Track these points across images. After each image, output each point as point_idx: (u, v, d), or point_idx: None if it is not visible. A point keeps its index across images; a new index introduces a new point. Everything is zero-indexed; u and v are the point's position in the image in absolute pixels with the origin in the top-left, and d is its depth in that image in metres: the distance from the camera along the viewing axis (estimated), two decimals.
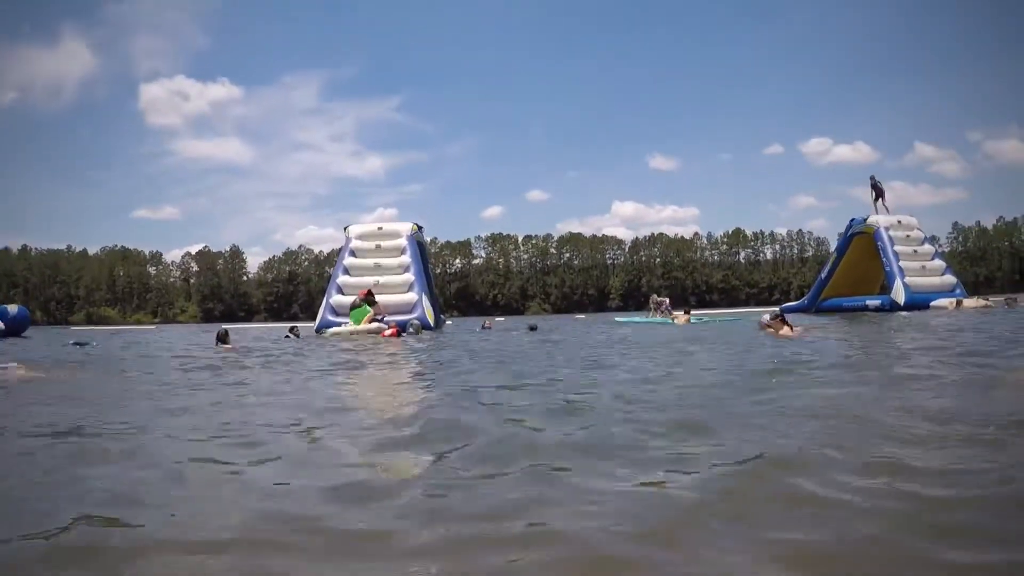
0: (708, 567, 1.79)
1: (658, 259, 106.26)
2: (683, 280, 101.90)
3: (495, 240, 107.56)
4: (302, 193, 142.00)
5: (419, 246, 27.18)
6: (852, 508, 2.13)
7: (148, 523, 2.16)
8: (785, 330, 12.15)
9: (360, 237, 26.80)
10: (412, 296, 23.88)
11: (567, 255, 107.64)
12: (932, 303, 26.85)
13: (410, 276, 24.97)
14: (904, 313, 25.28)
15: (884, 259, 30.14)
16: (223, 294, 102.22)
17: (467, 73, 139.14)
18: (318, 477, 2.72)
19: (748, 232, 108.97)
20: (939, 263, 30.92)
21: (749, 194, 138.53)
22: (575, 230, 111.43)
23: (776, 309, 33.87)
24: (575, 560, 1.83)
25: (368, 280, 24.03)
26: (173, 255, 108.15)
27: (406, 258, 25.88)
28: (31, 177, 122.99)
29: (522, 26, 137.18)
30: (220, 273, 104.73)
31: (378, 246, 26.19)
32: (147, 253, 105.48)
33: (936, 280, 29.48)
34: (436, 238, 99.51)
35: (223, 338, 13.71)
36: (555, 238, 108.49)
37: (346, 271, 25.46)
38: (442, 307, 36.85)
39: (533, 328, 20.87)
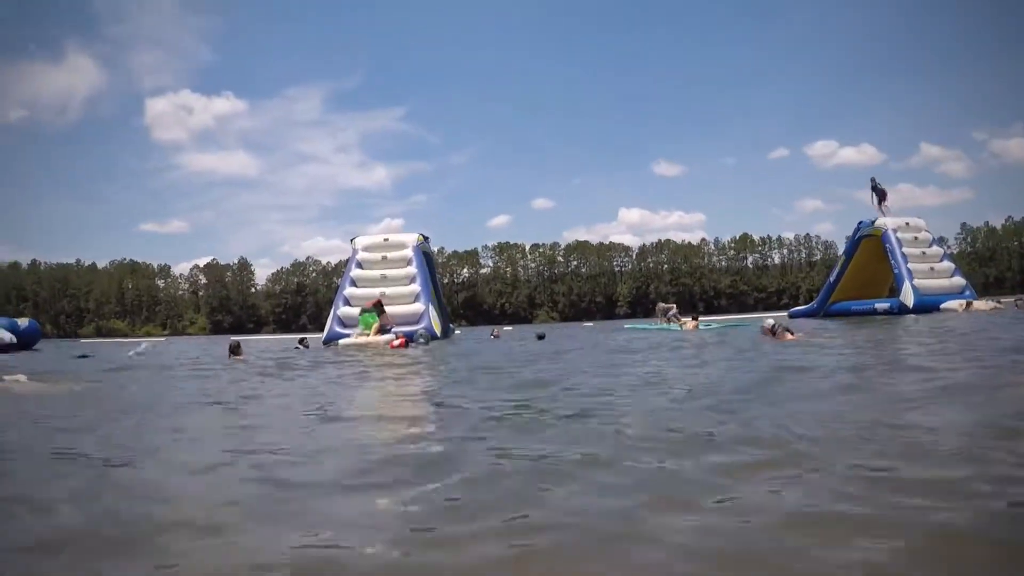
0: None
1: (666, 265, 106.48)
2: (691, 286, 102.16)
3: (502, 249, 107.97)
4: (309, 205, 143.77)
5: (425, 256, 27.47)
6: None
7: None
8: (787, 335, 12.25)
9: (366, 248, 26.98)
10: (419, 306, 24.08)
11: (574, 263, 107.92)
12: (942, 305, 26.75)
13: (416, 287, 25.14)
14: (913, 316, 25.12)
15: (892, 261, 30.00)
16: (232, 306, 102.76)
17: (471, 81, 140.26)
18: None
19: (755, 237, 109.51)
20: (948, 265, 30.80)
21: (755, 198, 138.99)
22: (582, 238, 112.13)
23: (785, 314, 33.73)
24: None
25: (375, 291, 24.18)
26: (181, 268, 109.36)
27: (412, 269, 26.02)
28: (40, 192, 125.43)
29: (524, 33, 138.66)
30: (228, 285, 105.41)
31: (384, 257, 26.36)
32: (155, 266, 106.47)
33: (945, 282, 29.34)
34: (443, 248, 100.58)
35: (235, 350, 13.79)
36: (562, 246, 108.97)
37: (353, 283, 25.66)
38: (450, 317, 36.92)
39: (541, 337, 20.89)
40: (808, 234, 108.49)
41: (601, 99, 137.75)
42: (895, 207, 32.99)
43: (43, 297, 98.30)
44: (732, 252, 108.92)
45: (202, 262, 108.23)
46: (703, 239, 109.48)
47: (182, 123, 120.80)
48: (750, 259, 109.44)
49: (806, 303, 40.17)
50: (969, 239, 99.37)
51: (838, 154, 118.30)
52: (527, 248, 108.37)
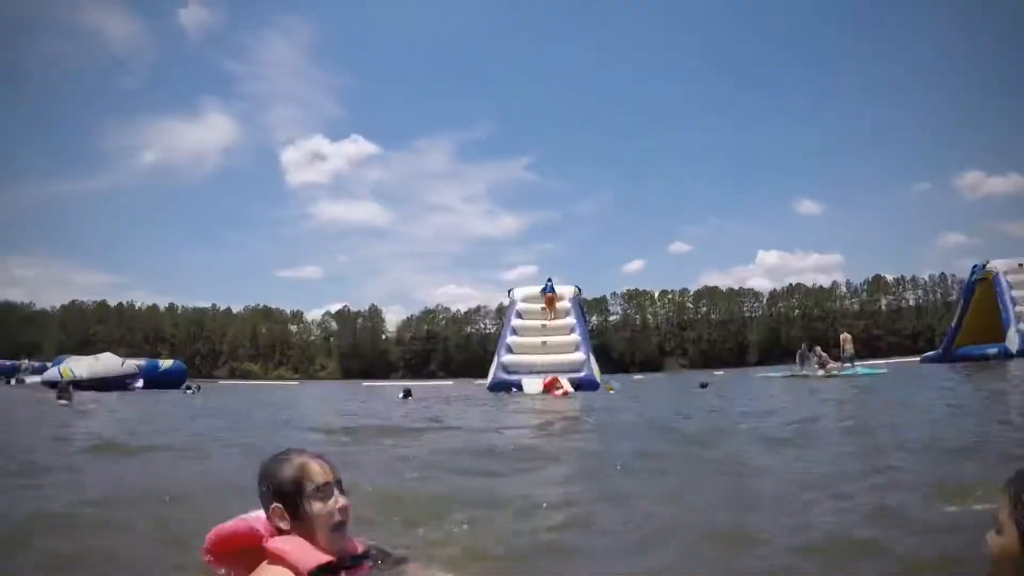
0: None
1: (797, 310, 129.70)
2: (823, 331, 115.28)
3: (631, 296, 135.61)
4: (438, 253, 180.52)
5: (580, 308, 34.76)
6: None
7: None
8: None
9: (525, 300, 34.72)
10: (580, 356, 30.36)
11: (704, 309, 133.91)
12: None
13: (577, 336, 31.92)
14: (1016, 361, 29.67)
15: (1001, 305, 34.79)
16: (362, 352, 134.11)
17: (600, 127, 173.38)
18: None
19: (889, 278, 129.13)
20: None
21: (894, 236, 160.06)
22: (718, 281, 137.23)
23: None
24: None
25: (536, 340, 31.70)
26: (314, 314, 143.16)
27: (571, 319, 33.15)
28: (178, 240, 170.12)
29: (654, 76, 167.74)
30: (359, 332, 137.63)
31: (544, 308, 33.86)
32: (288, 312, 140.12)
33: None
34: None
35: (409, 392, 23.19)
36: (691, 292, 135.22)
37: (514, 331, 32.83)
38: None
39: (704, 386, 25.92)
40: (943, 273, 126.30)
41: (742, 136, 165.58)
42: None
43: (180, 339, 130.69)
44: (865, 295, 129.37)
45: (334, 308, 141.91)
46: (835, 282, 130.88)
47: (316, 172, 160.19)
48: (883, 301, 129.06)
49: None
50: None
51: (984, 184, 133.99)
52: (656, 295, 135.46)
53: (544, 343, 31.29)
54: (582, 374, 28.45)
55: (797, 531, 4.14)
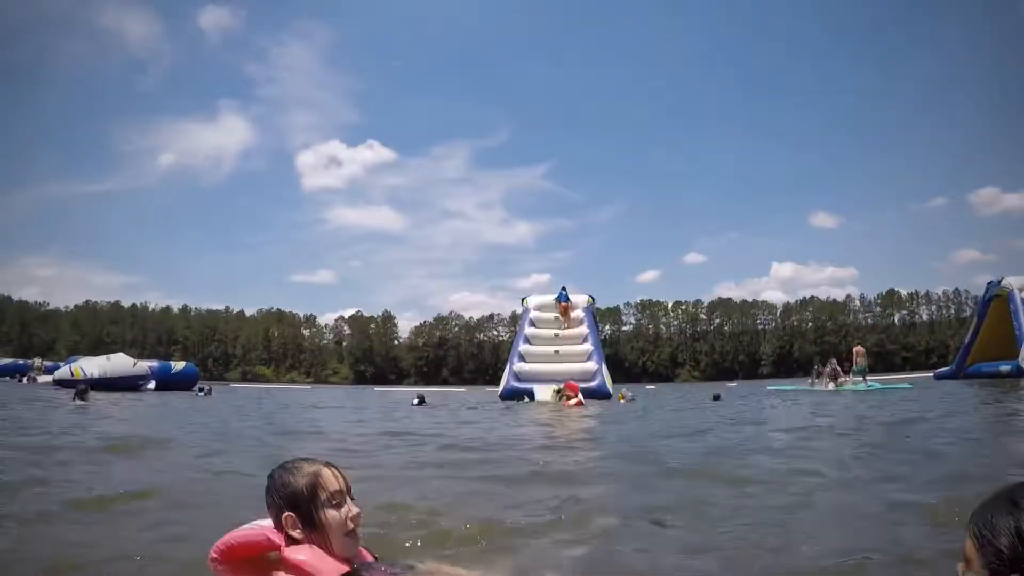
0: None
1: (810, 323, 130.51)
2: (836, 344, 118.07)
3: (645, 306, 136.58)
4: (453, 260, 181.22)
5: (593, 317, 34.73)
6: None
7: None
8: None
9: (539, 308, 34.84)
10: (592, 365, 30.18)
11: (717, 320, 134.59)
12: None
13: (589, 346, 31.78)
14: None
15: (1015, 322, 34.47)
16: (374, 357, 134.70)
17: (616, 135, 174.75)
18: None
19: (903, 293, 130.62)
20: None
21: (909, 251, 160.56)
22: (731, 293, 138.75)
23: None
24: None
25: (549, 349, 31.57)
26: (327, 318, 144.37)
27: (584, 328, 33.15)
28: (193, 243, 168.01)
29: (671, 88, 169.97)
30: (372, 337, 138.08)
31: (557, 317, 34.02)
32: (302, 316, 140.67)
33: None
34: None
35: (423, 400, 23.97)
36: (705, 303, 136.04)
37: (527, 340, 32.74)
38: None
39: (717, 397, 25.85)
40: (958, 289, 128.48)
41: (758, 148, 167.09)
42: None
43: (192, 341, 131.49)
44: (878, 309, 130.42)
45: (347, 313, 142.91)
46: (848, 295, 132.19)
47: (332, 177, 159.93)
48: (897, 316, 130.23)
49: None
50: None
51: (1000, 200, 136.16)
52: (669, 305, 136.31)
53: (557, 352, 31.14)
54: (594, 383, 28.31)
55: None
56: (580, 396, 23.97)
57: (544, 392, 26.68)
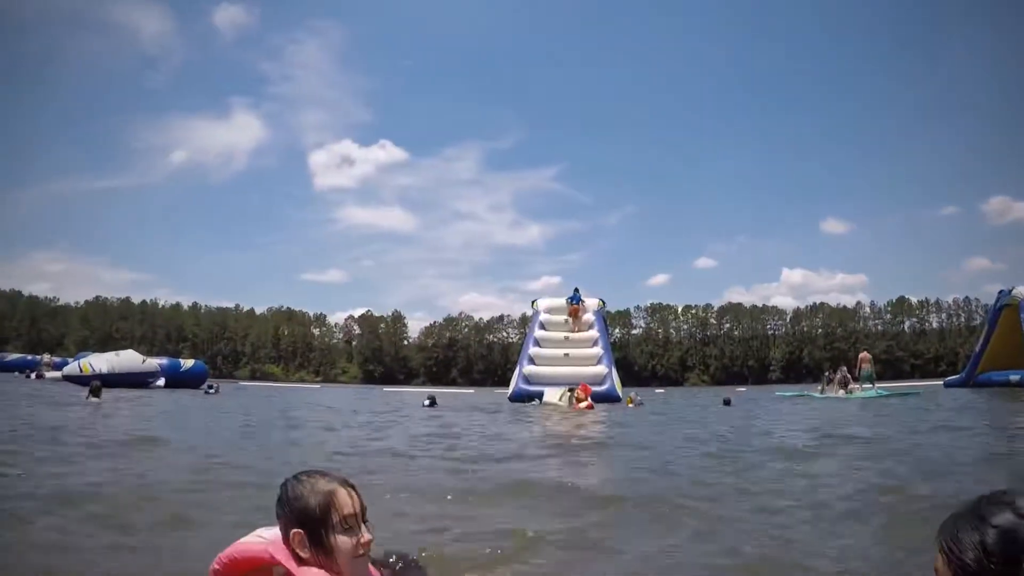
0: None
1: (820, 330, 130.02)
2: (846, 351, 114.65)
3: (655, 310, 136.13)
4: (463, 261, 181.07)
5: (603, 321, 34.87)
6: None
7: None
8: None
9: (549, 311, 35.00)
10: (602, 368, 30.33)
11: (727, 325, 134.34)
12: None
13: (599, 349, 31.91)
14: None
15: None
16: (384, 357, 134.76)
17: (627, 139, 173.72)
18: None
19: (913, 300, 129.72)
20: None
21: (919, 258, 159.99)
22: (741, 298, 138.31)
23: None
24: None
25: (559, 352, 31.55)
26: (337, 317, 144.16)
27: (594, 332, 33.29)
28: (204, 240, 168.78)
29: (682, 91, 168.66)
30: (382, 337, 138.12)
31: (567, 320, 34.17)
32: (311, 315, 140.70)
33: None
34: None
35: (434, 401, 24.70)
36: (715, 308, 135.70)
37: (537, 343, 32.85)
38: None
39: (727, 402, 26.12)
40: (968, 297, 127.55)
41: (771, 151, 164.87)
42: None
43: (202, 338, 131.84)
44: (889, 316, 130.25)
45: (357, 313, 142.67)
46: (858, 302, 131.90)
47: (343, 177, 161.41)
48: (907, 323, 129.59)
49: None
50: None
51: (1011, 209, 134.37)
52: (679, 309, 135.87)
53: (567, 355, 31.10)
54: (604, 387, 28.41)
55: None
56: (590, 399, 24.05)
57: (552, 395, 26.43)
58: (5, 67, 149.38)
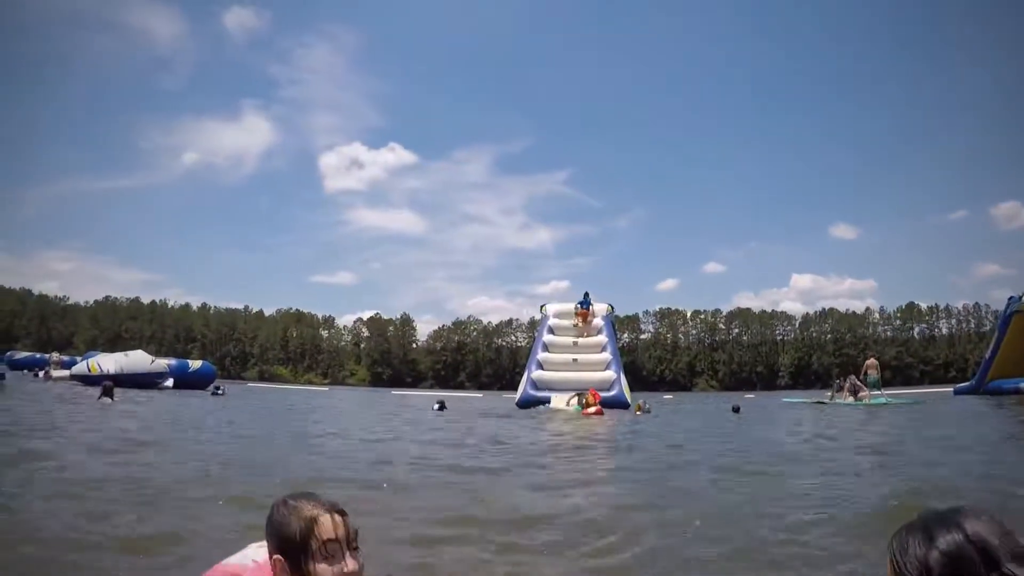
0: None
1: (829, 335, 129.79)
2: (855, 357, 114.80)
3: (663, 315, 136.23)
4: (473, 264, 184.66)
5: (612, 326, 34.93)
6: None
7: None
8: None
9: (557, 315, 35.05)
10: (611, 374, 30.08)
11: (736, 330, 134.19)
12: None
13: (608, 355, 31.79)
14: None
15: None
16: (392, 360, 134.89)
17: (637, 143, 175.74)
18: None
19: (923, 306, 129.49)
20: None
21: (929, 263, 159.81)
22: (750, 303, 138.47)
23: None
24: None
25: (567, 357, 31.53)
26: (346, 319, 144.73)
27: (603, 337, 33.22)
28: (213, 241, 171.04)
29: (691, 97, 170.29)
30: (390, 339, 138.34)
31: (576, 325, 34.02)
32: (320, 317, 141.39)
33: None
34: None
35: (443, 405, 25.22)
36: (724, 313, 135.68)
37: (545, 347, 32.76)
38: None
39: (736, 410, 26.08)
40: (978, 303, 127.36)
41: (779, 158, 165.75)
42: None
43: (210, 339, 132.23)
44: (898, 322, 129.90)
45: (366, 315, 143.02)
46: (867, 308, 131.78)
47: (353, 179, 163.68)
48: (916, 329, 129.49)
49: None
50: None
51: (1021, 214, 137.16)
52: (688, 314, 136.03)
53: (575, 360, 31.02)
54: (612, 393, 28.20)
55: None
56: (599, 405, 24.17)
57: (559, 400, 26.58)
58: (18, 67, 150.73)
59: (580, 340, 32.81)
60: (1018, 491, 7.04)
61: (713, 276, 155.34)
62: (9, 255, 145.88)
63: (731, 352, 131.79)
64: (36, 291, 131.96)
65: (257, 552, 2.73)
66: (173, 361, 41.16)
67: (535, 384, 29.88)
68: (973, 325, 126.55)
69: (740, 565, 5.03)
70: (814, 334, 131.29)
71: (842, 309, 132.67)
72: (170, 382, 37.57)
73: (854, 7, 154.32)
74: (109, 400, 20.29)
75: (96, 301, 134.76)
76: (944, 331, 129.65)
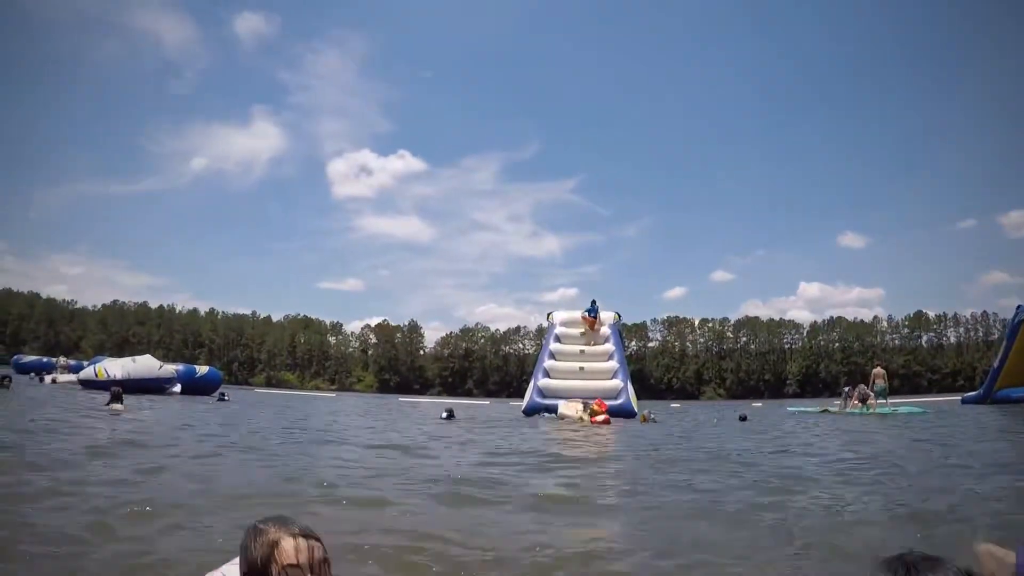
0: None
1: (837, 344, 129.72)
2: (863, 366, 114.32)
3: (671, 323, 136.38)
4: (481, 271, 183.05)
5: (619, 334, 34.84)
6: None
7: None
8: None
9: (564, 324, 34.95)
10: (617, 383, 30.23)
11: (744, 339, 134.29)
12: None
13: (615, 363, 31.73)
14: None
15: None
16: (399, 366, 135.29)
17: (646, 152, 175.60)
18: None
19: (931, 315, 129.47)
20: None
21: (937, 272, 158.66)
22: (758, 312, 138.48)
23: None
24: None
25: (574, 365, 31.40)
26: (353, 326, 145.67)
27: (610, 346, 33.09)
28: (222, 246, 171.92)
29: (700, 105, 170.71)
30: (398, 346, 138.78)
31: (583, 333, 34.09)
32: (328, 323, 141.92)
33: None
34: None
35: (452, 413, 25.33)
36: (732, 321, 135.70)
37: (552, 355, 32.66)
38: None
39: (743, 418, 26.67)
40: (986, 311, 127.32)
41: (787, 168, 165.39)
42: None
43: (218, 344, 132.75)
44: (906, 330, 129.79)
45: (373, 322, 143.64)
46: (876, 316, 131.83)
47: (362, 186, 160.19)
48: (924, 338, 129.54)
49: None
50: None
51: None
52: (696, 323, 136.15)
53: (582, 368, 30.90)
54: (619, 401, 28.26)
55: None
56: (606, 414, 24.21)
57: (565, 408, 26.35)
58: (27, 71, 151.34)
59: (587, 348, 32.65)
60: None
61: (721, 284, 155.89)
62: (18, 259, 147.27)
63: (739, 360, 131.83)
64: (44, 295, 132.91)
65: (231, 570, 2.71)
66: (181, 366, 40.65)
67: (542, 392, 29.83)
68: (981, 334, 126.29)
69: None
70: (822, 342, 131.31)
71: (850, 318, 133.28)
72: (178, 388, 37.32)
73: (863, 17, 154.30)
74: (120, 406, 19.79)
75: (104, 305, 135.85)
76: (952, 340, 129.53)
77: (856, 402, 31.57)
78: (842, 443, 15.64)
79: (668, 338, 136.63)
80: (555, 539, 5.60)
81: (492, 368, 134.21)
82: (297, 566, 2.41)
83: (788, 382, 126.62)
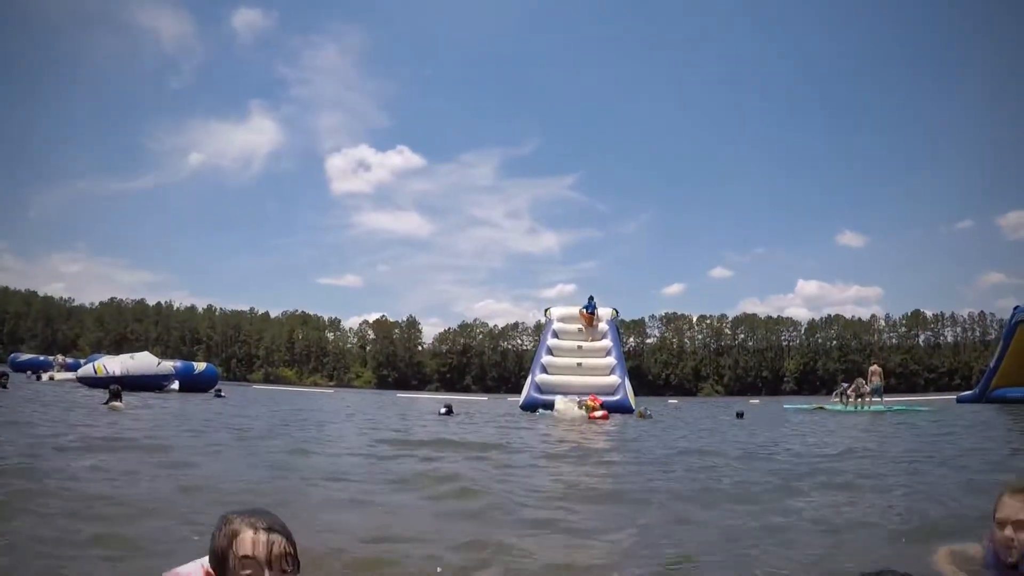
0: None
1: (834, 341, 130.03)
2: (860, 364, 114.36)
3: (669, 320, 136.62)
4: (479, 267, 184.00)
5: (617, 330, 34.76)
6: None
7: None
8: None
9: (562, 319, 34.89)
10: (615, 379, 30.31)
11: (742, 336, 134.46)
12: None
13: (612, 359, 31.84)
14: None
15: None
16: (398, 362, 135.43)
17: (644, 148, 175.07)
18: None
19: (928, 314, 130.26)
20: None
21: (935, 272, 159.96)
22: (756, 309, 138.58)
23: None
24: None
25: (572, 361, 31.42)
26: (351, 322, 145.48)
27: (608, 342, 33.13)
28: (220, 243, 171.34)
29: (698, 102, 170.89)
30: (396, 342, 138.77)
31: (580, 329, 34.04)
32: (326, 319, 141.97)
33: None
34: None
35: (451, 409, 25.19)
36: (730, 318, 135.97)
37: (550, 351, 32.69)
38: None
39: (740, 415, 26.84)
40: (983, 311, 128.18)
41: (787, 166, 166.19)
42: None
43: (216, 341, 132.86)
44: (903, 329, 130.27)
45: (372, 317, 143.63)
46: (873, 315, 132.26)
47: (360, 181, 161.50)
48: (921, 337, 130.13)
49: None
50: None
51: None
52: (694, 319, 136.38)
53: (579, 364, 30.93)
54: (617, 397, 28.34)
55: None
56: (604, 409, 24.41)
57: (562, 404, 26.30)
58: (24, 69, 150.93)
59: (585, 344, 32.69)
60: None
61: (719, 281, 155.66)
62: (17, 258, 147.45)
63: (736, 357, 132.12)
64: (42, 293, 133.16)
65: (193, 567, 2.76)
66: (179, 363, 40.53)
67: (539, 388, 29.83)
68: (978, 333, 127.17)
69: None
70: (819, 340, 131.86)
71: (848, 316, 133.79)
72: (176, 385, 37.14)
73: (863, 17, 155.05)
74: (119, 404, 19.50)
75: (101, 303, 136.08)
76: (949, 339, 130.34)
77: (852, 396, 32.48)
78: (835, 441, 15.64)
79: (666, 334, 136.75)
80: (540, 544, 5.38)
81: (490, 364, 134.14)
82: (252, 558, 2.45)
83: (785, 379, 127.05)
